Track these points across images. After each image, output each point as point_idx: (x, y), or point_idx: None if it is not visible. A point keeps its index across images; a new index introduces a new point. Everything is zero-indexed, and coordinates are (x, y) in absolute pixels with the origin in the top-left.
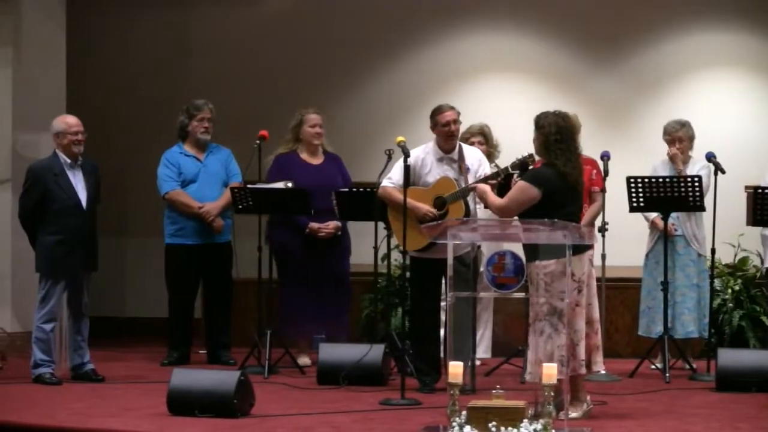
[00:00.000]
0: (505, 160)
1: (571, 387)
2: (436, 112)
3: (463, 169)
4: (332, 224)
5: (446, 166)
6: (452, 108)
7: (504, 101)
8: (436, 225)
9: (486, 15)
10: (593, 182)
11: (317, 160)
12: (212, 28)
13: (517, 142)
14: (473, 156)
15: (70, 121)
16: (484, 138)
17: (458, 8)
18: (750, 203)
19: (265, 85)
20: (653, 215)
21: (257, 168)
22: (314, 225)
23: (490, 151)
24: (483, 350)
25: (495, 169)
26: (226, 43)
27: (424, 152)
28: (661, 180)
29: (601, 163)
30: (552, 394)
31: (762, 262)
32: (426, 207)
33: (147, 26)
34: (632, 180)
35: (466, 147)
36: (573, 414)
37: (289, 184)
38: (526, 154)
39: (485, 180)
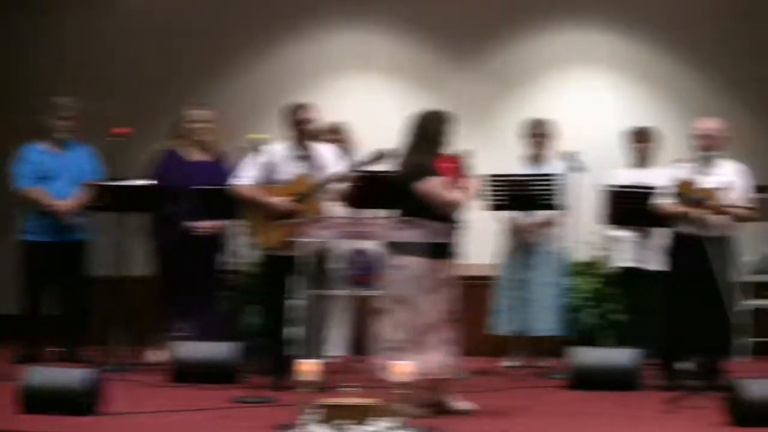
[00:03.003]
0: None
1: (430, 386)
2: (292, 109)
3: (318, 166)
4: (209, 223)
5: (301, 164)
6: (309, 105)
7: (365, 99)
8: (294, 222)
9: (348, 11)
10: (455, 180)
11: (201, 157)
12: (77, 31)
13: (378, 139)
14: (327, 153)
15: None
16: (340, 135)
17: (320, 4)
18: (604, 202)
19: (127, 84)
20: (510, 215)
21: (122, 165)
22: (193, 223)
23: (347, 148)
24: (338, 348)
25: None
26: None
27: (279, 149)
28: (520, 178)
29: (463, 161)
30: (405, 392)
31: (614, 262)
32: (286, 203)
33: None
34: (492, 178)
35: (320, 144)
36: (418, 411)
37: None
38: (377, 150)
39: (340, 178)
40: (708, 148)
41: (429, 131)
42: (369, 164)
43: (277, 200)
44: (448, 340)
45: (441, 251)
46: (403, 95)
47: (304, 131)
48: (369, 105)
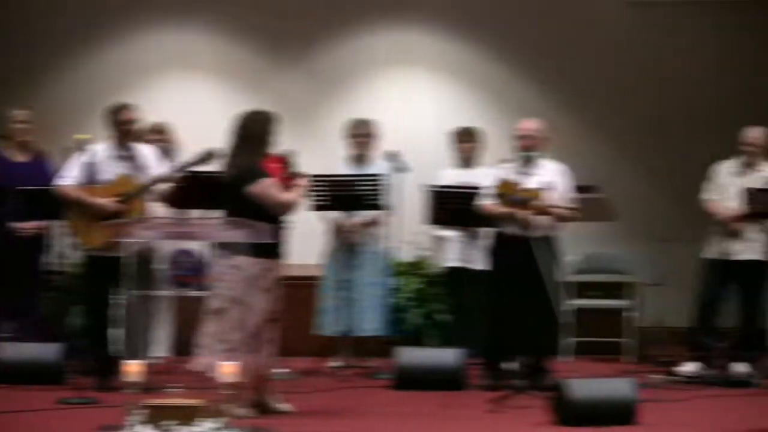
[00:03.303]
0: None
1: (255, 386)
2: (115, 110)
3: (140, 166)
4: (33, 223)
5: (123, 164)
6: (131, 106)
7: (187, 99)
8: (118, 222)
9: (171, 11)
10: (283, 180)
11: (23, 158)
12: None
13: (201, 139)
14: (149, 154)
15: None
16: (164, 136)
17: (143, 4)
18: (429, 202)
19: None
20: (336, 216)
21: None
22: (17, 224)
23: (170, 148)
24: (162, 348)
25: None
26: None
27: (101, 150)
28: (343, 178)
29: (288, 161)
30: (231, 392)
31: (439, 262)
32: (112, 204)
33: None
34: (315, 178)
35: (140, 145)
36: (244, 412)
37: None
38: (205, 150)
39: (165, 179)
40: (528, 149)
41: (255, 132)
42: (196, 165)
43: (102, 201)
44: (274, 340)
45: (271, 251)
46: (226, 95)
47: (126, 131)
48: (192, 105)
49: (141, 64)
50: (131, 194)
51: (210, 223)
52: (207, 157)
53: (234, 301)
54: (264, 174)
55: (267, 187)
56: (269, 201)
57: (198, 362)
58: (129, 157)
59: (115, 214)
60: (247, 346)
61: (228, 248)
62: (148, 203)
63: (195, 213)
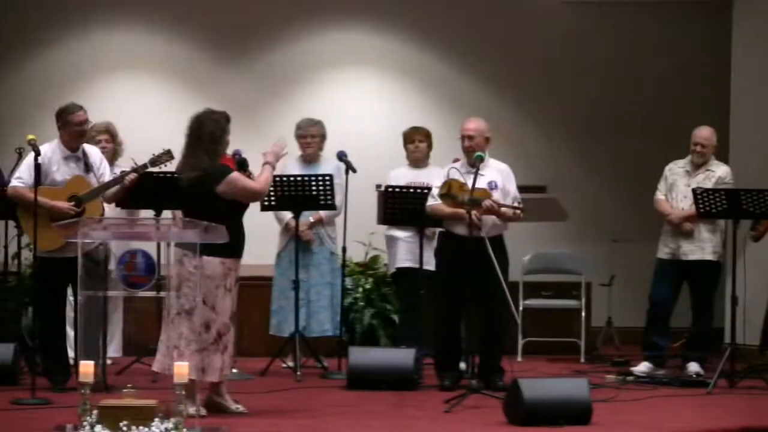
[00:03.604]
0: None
1: (209, 386)
2: (67, 111)
3: (90, 167)
4: None
5: (73, 165)
6: (82, 108)
7: (133, 99)
8: (71, 223)
9: (116, 10)
10: None
11: None
12: None
13: (147, 139)
14: (95, 155)
15: None
16: (110, 136)
17: (88, 3)
18: (380, 202)
19: None
20: (287, 216)
21: None
22: None
23: (116, 149)
24: (114, 349)
25: (134, 166)
26: None
27: (51, 150)
28: (292, 178)
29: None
30: (184, 392)
31: (390, 262)
32: (66, 205)
33: None
34: None
35: (87, 146)
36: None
37: None
38: (163, 151)
39: (121, 178)
40: (472, 149)
41: (211, 132)
42: (154, 165)
43: (57, 203)
44: (232, 340)
45: (233, 251)
46: (172, 96)
47: (81, 133)
48: (137, 105)
49: (87, 64)
50: (86, 195)
51: (167, 223)
52: (166, 157)
53: (199, 301)
54: (228, 170)
55: (236, 181)
56: (242, 193)
57: (159, 363)
58: (79, 158)
59: (69, 215)
60: (212, 346)
61: (192, 248)
62: (102, 204)
63: (144, 213)
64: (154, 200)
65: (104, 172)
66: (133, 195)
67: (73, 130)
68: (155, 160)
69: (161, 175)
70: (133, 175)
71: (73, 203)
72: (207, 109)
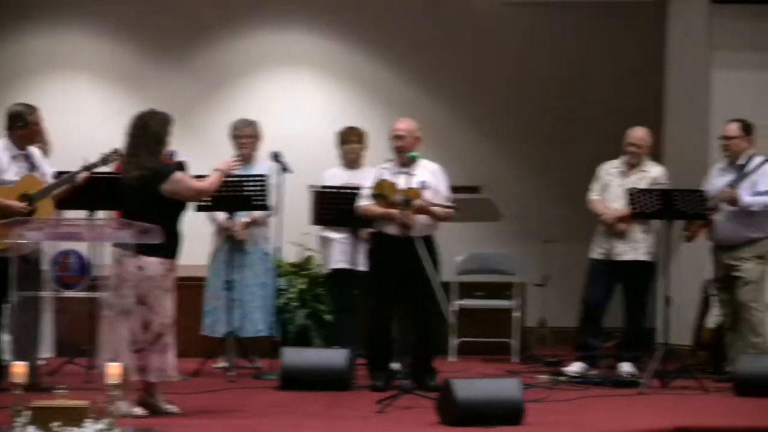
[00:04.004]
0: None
1: (144, 387)
2: (26, 111)
3: (35, 166)
4: None
5: (22, 164)
6: (37, 108)
7: (69, 100)
8: (8, 222)
9: (51, 10)
10: None
11: None
12: None
13: (83, 139)
14: (37, 154)
15: None
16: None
17: (23, 3)
18: (314, 202)
19: None
20: (221, 216)
21: None
22: None
23: (44, 148)
24: (46, 349)
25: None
26: None
27: (1, 150)
28: (228, 179)
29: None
30: (118, 393)
31: (324, 262)
32: (19, 204)
33: None
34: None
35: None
36: (137, 411)
37: None
38: (110, 151)
39: (72, 177)
40: (404, 148)
41: (154, 131)
42: (101, 165)
43: (9, 201)
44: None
45: (173, 252)
46: (109, 96)
47: (36, 132)
48: (74, 106)
49: (23, 64)
50: (40, 194)
51: (105, 224)
52: (115, 156)
53: (138, 301)
54: (173, 169)
55: (182, 180)
56: (187, 192)
57: (99, 363)
58: (26, 157)
59: (24, 214)
60: (151, 346)
61: (131, 248)
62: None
63: (88, 213)
64: (89, 201)
65: (45, 171)
66: (83, 195)
67: (33, 129)
68: (106, 159)
69: (99, 175)
70: (84, 174)
71: (25, 203)
72: (150, 109)
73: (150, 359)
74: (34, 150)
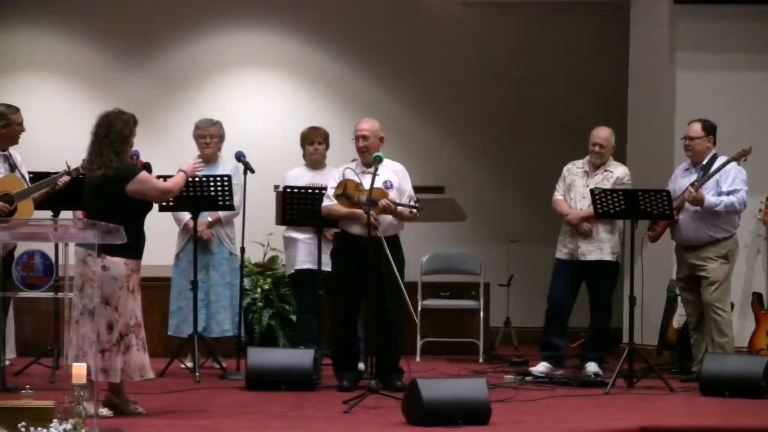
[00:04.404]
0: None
1: (110, 387)
2: (8, 112)
3: (14, 167)
4: None
5: (2, 164)
6: (19, 109)
7: (31, 99)
8: None
9: (17, 11)
10: None
11: None
12: None
13: (45, 140)
14: (17, 155)
15: None
16: None
17: None
18: (278, 203)
19: None
20: (186, 217)
21: None
22: None
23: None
24: (9, 350)
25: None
26: None
27: None
28: (191, 179)
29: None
30: (82, 393)
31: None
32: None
33: None
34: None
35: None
36: (103, 412)
37: None
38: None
39: (54, 180)
40: (368, 149)
41: (120, 132)
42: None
43: None
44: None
45: (137, 252)
46: (71, 95)
47: (18, 132)
48: (39, 105)
49: None
50: (19, 195)
51: (71, 224)
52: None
53: (102, 301)
54: (138, 169)
55: (147, 180)
56: (152, 192)
57: (64, 363)
58: (6, 158)
59: (4, 214)
60: (115, 347)
61: (99, 248)
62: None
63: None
64: (54, 201)
65: (24, 173)
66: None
67: (15, 129)
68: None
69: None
70: (66, 178)
71: (6, 203)
72: (116, 109)
73: (114, 360)
74: (14, 151)
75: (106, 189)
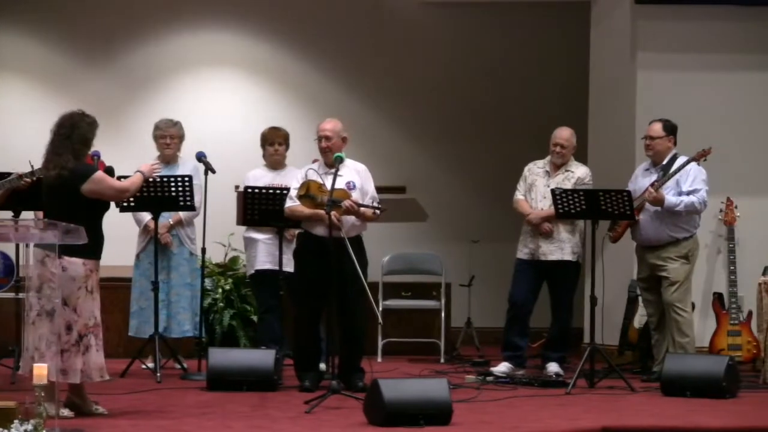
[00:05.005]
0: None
1: (71, 388)
2: None
3: None
4: None
5: None
6: None
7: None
8: None
9: None
10: None
11: None
12: None
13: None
14: None
15: None
16: None
17: None
18: (240, 203)
19: None
20: (147, 218)
21: None
22: None
23: None
24: None
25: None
26: None
27: None
28: (151, 179)
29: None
30: (43, 394)
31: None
32: None
33: None
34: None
35: None
36: (64, 413)
37: None
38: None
39: (18, 180)
40: (330, 149)
41: (79, 133)
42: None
43: None
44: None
45: (96, 252)
46: (33, 96)
47: None
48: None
49: None
50: None
51: (29, 225)
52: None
53: (61, 302)
54: (94, 169)
55: (103, 180)
56: (108, 192)
57: (23, 365)
58: None
59: None
60: (74, 348)
61: (54, 249)
62: None
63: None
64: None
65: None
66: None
67: None
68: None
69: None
70: (29, 179)
71: None
72: (80, 110)
73: (73, 360)
74: None
75: (63, 189)
